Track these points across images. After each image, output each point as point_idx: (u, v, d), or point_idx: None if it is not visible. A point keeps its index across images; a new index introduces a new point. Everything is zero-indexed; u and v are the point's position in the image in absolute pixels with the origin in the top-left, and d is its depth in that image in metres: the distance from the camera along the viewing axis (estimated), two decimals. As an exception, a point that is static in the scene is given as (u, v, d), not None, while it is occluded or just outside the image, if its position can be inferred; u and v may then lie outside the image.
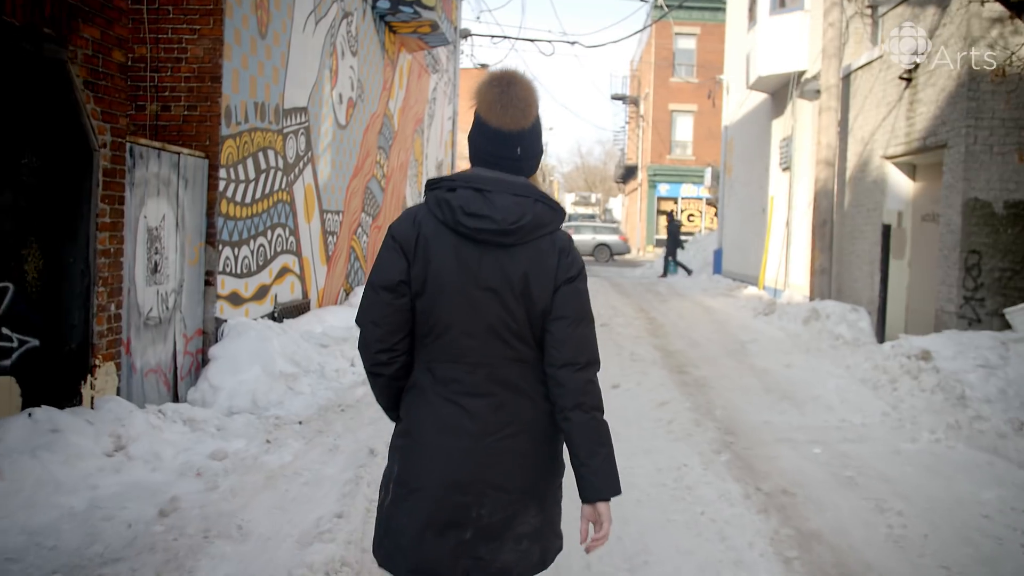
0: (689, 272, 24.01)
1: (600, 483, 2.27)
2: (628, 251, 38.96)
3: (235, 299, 8.19)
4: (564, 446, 2.38)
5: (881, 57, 11.29)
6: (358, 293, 12.20)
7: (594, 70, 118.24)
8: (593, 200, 72.58)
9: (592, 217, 54.85)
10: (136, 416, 5.31)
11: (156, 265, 6.78)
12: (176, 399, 7.11)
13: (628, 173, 52.04)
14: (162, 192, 6.86)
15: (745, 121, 20.17)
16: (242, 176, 8.22)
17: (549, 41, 25.04)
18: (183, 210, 7.22)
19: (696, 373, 9.47)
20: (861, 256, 11.96)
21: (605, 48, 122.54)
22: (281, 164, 9.27)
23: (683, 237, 41.75)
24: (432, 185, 2.33)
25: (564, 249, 2.30)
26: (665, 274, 24.27)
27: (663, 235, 43.70)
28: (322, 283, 11.02)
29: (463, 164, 54.25)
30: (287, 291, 9.64)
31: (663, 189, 43.52)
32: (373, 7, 12.96)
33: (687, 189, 43.19)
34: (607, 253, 36.51)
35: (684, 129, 43.40)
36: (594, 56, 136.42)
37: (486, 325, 2.25)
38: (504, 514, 2.27)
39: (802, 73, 14.82)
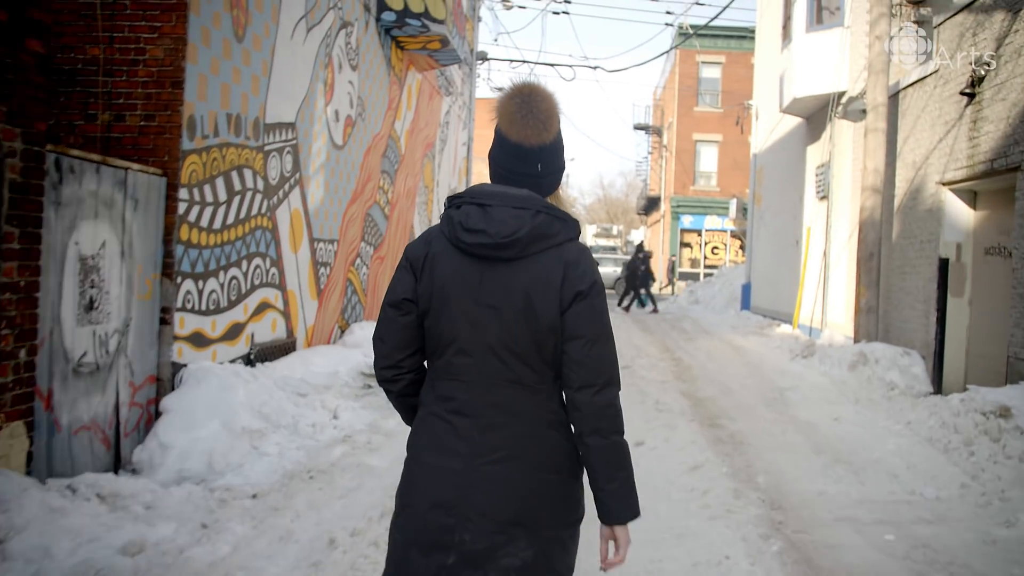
0: (655, 308, 22.85)
1: (617, 507, 2.23)
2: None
3: (198, 340, 7.08)
4: (577, 478, 2.28)
5: (937, 71, 10.13)
6: (354, 331, 11.09)
7: (616, 99, 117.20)
8: (615, 232, 71.43)
9: (614, 249, 53.78)
10: (30, 496, 4.16)
11: (92, 301, 5.67)
12: (118, 461, 5.98)
13: (650, 204, 50.90)
14: (102, 214, 5.77)
15: (776, 148, 19.01)
16: (210, 198, 7.14)
17: (570, 66, 24.06)
18: (131, 236, 6.12)
19: (731, 427, 8.27)
20: (912, 293, 10.73)
21: (627, 76, 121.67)
22: (261, 186, 8.20)
23: (707, 271, 40.85)
24: (447, 203, 2.32)
25: (571, 262, 2.21)
26: (629, 307, 23.06)
27: (687, 267, 42.57)
28: (311, 320, 9.91)
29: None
30: (267, 329, 8.54)
31: (687, 221, 42.32)
32: (378, 19, 11.95)
33: (711, 221, 41.99)
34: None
35: (708, 159, 42.27)
36: (616, 84, 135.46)
37: (485, 344, 2.21)
38: (487, 543, 2.16)
39: (842, 94, 13.67)
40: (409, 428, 2.41)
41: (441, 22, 12.34)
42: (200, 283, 7.06)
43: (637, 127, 47.43)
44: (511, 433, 2.20)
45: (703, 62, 41.62)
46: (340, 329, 11.05)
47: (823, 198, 14.90)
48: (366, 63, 11.61)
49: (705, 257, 42.58)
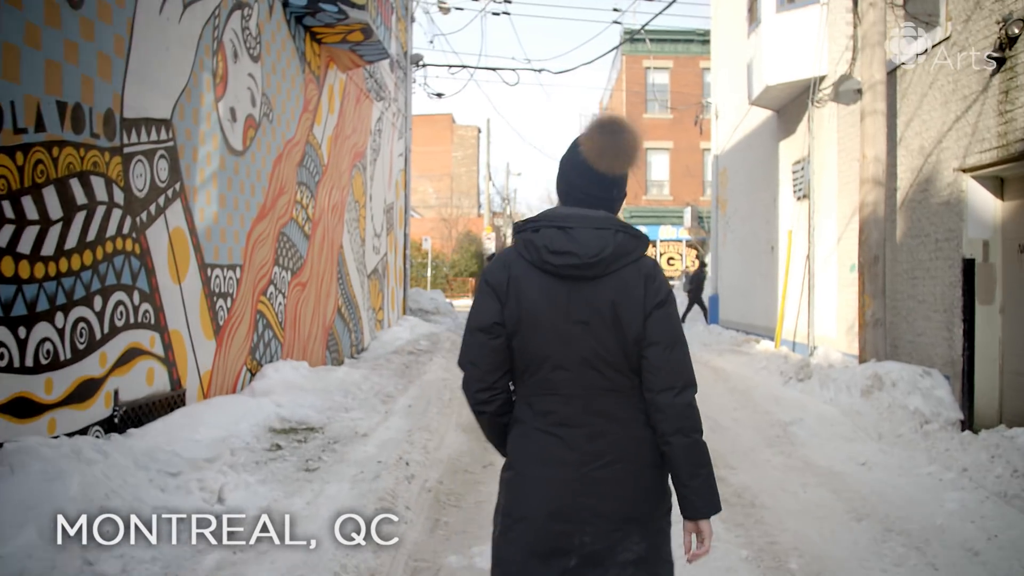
0: None
1: (701, 503, 2.37)
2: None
3: (22, 408, 5.17)
4: (666, 471, 2.43)
5: (948, 38, 8.54)
6: (268, 374, 9.20)
7: (563, 108, 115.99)
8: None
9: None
10: None
11: None
12: None
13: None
14: None
15: (742, 147, 17.46)
16: (31, 214, 5.25)
17: (513, 69, 22.45)
18: None
19: (733, 480, 6.57)
20: (927, 302, 9.13)
21: (574, 82, 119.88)
22: (120, 198, 6.32)
23: (673, 281, 39.29)
24: (519, 228, 2.48)
25: (650, 275, 2.40)
26: None
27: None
28: (207, 364, 8.02)
29: (422, 209, 51.58)
30: (140, 383, 6.63)
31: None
32: (285, 3, 10.12)
33: (666, 231, 40.66)
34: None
35: (660, 168, 40.95)
36: (562, 89, 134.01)
37: (579, 357, 2.37)
38: (607, 541, 2.34)
39: (821, 79, 12.12)
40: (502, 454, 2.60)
41: (362, 7, 10.54)
42: (20, 330, 5.15)
43: (585, 138, 45.82)
44: (616, 438, 2.38)
45: (650, 68, 40.33)
46: (250, 372, 9.16)
47: (802, 197, 13.32)
48: (272, 55, 9.77)
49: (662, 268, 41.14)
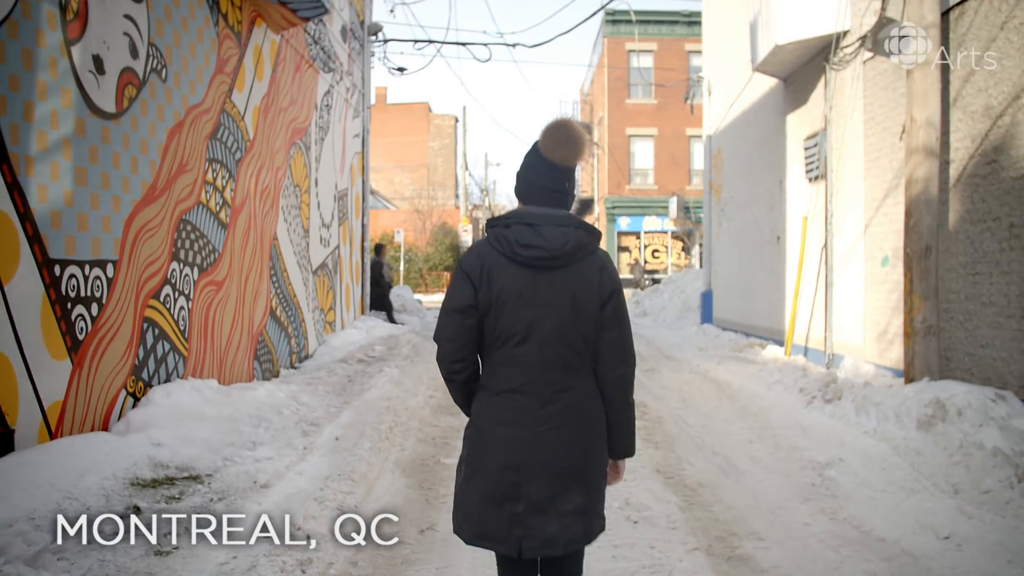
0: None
1: (619, 449, 2.97)
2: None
3: None
4: (604, 437, 2.93)
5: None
6: (155, 400, 7.20)
7: (541, 91, 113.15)
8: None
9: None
10: None
11: None
12: None
13: (583, 207, 47.21)
14: None
15: (740, 125, 15.49)
16: None
17: (485, 44, 20.37)
18: None
19: (764, 561, 4.66)
20: (996, 304, 7.21)
21: (552, 64, 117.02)
22: None
23: (647, 276, 37.42)
24: (492, 224, 2.90)
25: (604, 267, 2.87)
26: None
27: (625, 272, 39.15)
28: (58, 392, 6.01)
29: (398, 201, 49.44)
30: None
31: (623, 223, 38.96)
32: (184, -66, 8.08)
33: (650, 222, 38.72)
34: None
35: (644, 156, 38.98)
36: (540, 71, 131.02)
37: (540, 336, 2.78)
38: (550, 492, 2.77)
39: (843, 34, 10.15)
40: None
41: (286, -57, 8.52)
42: None
43: (565, 125, 43.72)
44: (564, 405, 2.80)
45: (633, 51, 38.32)
46: (133, 397, 7.14)
47: (817, 179, 11.37)
48: (166, -4, 7.74)
49: (645, 261, 39.20)
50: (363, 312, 17.40)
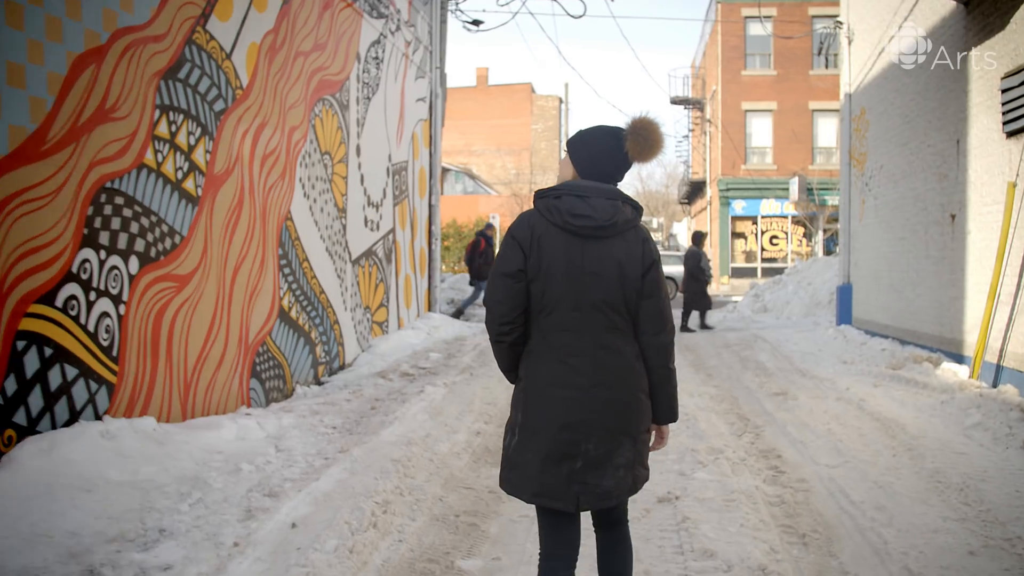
0: (704, 322, 16.01)
1: (663, 415, 3.09)
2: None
3: None
4: (648, 397, 3.04)
5: None
6: (20, 460, 4.70)
7: (650, 67, 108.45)
8: (655, 226, 64.62)
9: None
10: None
11: None
12: None
13: (694, 191, 44.00)
14: None
15: (893, 74, 12.20)
16: None
17: (579, -2, 17.50)
18: None
19: None
20: None
21: (662, 41, 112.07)
22: None
23: (765, 264, 33.87)
24: (541, 195, 3.00)
25: (646, 239, 3.00)
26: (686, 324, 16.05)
27: (740, 262, 35.68)
28: None
29: (499, 186, 47.16)
30: None
31: (738, 207, 35.36)
32: None
33: (768, 206, 35.01)
34: (671, 289, 26.91)
35: (762, 133, 35.33)
36: (649, 49, 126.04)
37: (589, 302, 2.90)
38: (605, 448, 2.90)
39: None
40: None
41: None
42: None
43: (675, 101, 40.38)
44: (615, 366, 2.94)
45: (749, 17, 34.71)
46: (-5, 455, 4.67)
47: (1015, 133, 8.17)
48: None
49: (763, 249, 35.50)
50: (429, 308, 14.81)
